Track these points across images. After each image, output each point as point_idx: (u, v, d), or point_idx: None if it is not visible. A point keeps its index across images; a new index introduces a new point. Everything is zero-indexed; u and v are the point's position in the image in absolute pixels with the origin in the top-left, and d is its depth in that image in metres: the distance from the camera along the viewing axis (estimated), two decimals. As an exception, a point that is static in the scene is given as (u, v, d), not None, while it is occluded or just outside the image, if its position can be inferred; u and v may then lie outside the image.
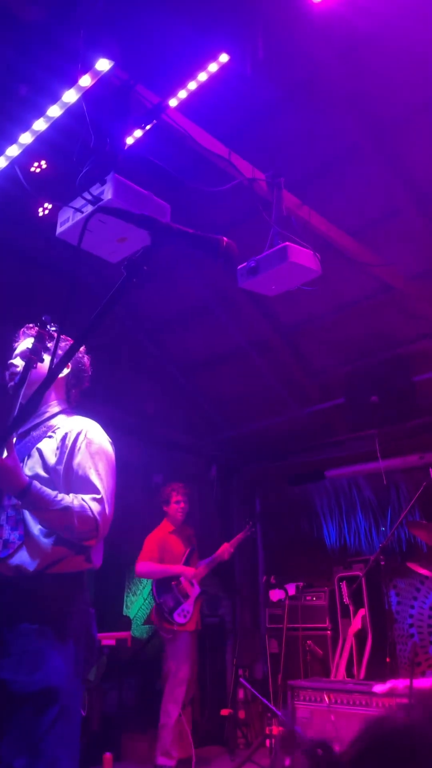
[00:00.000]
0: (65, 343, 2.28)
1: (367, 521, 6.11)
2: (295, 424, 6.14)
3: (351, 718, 3.44)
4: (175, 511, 5.02)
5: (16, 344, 2.35)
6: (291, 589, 5.34)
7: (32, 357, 2.08)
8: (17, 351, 2.32)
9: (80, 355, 2.37)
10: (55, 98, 2.63)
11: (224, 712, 5.31)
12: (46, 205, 3.68)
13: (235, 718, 5.30)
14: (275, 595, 5.49)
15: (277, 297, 3.76)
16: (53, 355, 1.85)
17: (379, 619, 4.92)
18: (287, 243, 3.31)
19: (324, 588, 5.42)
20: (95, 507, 1.96)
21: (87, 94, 2.61)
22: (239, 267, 3.51)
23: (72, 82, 2.55)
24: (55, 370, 1.90)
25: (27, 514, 2.00)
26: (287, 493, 6.66)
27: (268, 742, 4.06)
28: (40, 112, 2.70)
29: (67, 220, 3.02)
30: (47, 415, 2.21)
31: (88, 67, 2.51)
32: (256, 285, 3.52)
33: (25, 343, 2.31)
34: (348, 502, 6.24)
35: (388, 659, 4.38)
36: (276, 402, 6.10)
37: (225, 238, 1.42)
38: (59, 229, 3.04)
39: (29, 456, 2.10)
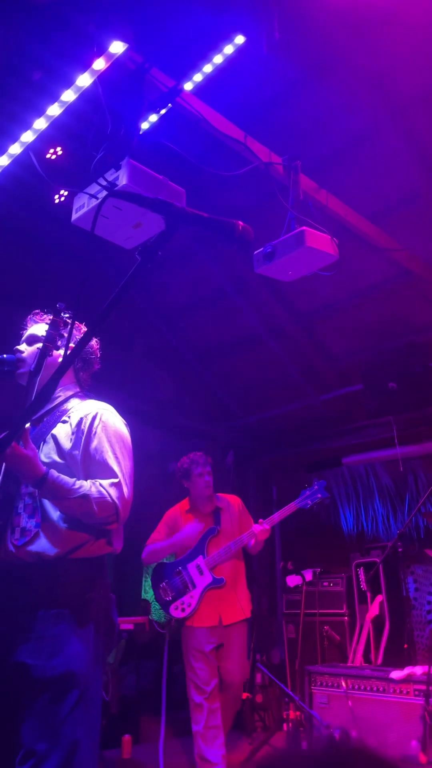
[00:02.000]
0: (78, 331, 2.28)
1: (384, 508, 6.09)
2: (312, 410, 6.11)
3: (368, 704, 3.44)
4: (198, 485, 4.12)
5: (23, 331, 2.35)
6: (308, 575, 5.34)
7: (48, 344, 2.08)
8: (24, 337, 2.32)
9: (78, 333, 2.35)
10: (68, 83, 2.61)
11: (242, 696, 5.34)
12: (62, 192, 3.67)
13: (252, 703, 5.34)
14: (292, 581, 5.50)
15: (294, 282, 3.72)
16: (67, 342, 1.85)
17: (396, 606, 4.92)
18: (304, 228, 3.27)
19: (341, 574, 5.42)
20: (114, 492, 1.96)
21: (101, 78, 2.58)
22: (255, 252, 3.47)
23: (86, 65, 2.52)
24: (70, 357, 1.90)
25: (45, 501, 2.01)
26: (304, 480, 6.64)
27: (285, 726, 4.08)
28: (54, 97, 2.68)
29: (82, 206, 3.01)
30: (60, 399, 2.21)
31: (101, 50, 2.49)
32: (272, 270, 3.48)
33: (33, 330, 2.31)
34: (365, 489, 6.21)
35: (405, 645, 4.38)
36: (293, 389, 6.07)
37: (240, 222, 1.39)
38: (74, 216, 3.03)
39: (44, 442, 2.10)
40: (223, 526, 4.08)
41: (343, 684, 3.59)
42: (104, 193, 2.81)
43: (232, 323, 5.76)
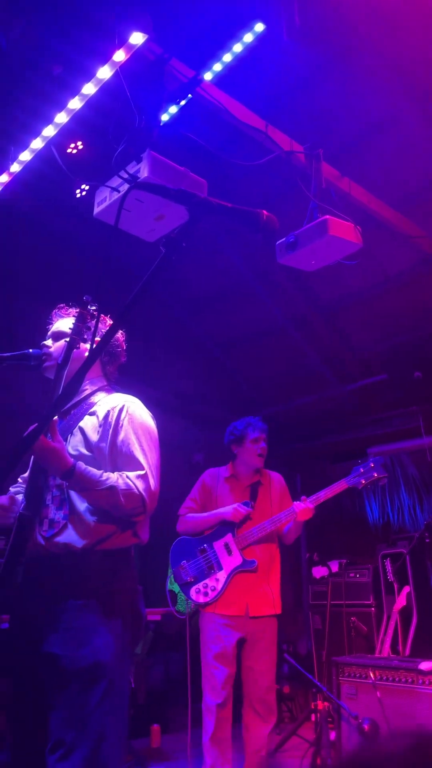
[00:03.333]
0: (103, 324, 2.29)
1: (411, 498, 6.04)
2: (336, 401, 6.07)
3: (397, 695, 3.43)
4: (251, 452, 3.65)
5: (49, 326, 2.37)
6: (334, 566, 5.33)
7: (75, 337, 2.10)
8: (50, 332, 2.34)
9: (103, 326, 2.36)
10: (89, 76, 2.61)
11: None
12: (83, 186, 3.68)
13: (280, 693, 5.36)
14: (318, 572, 5.49)
15: (317, 272, 3.69)
16: (93, 335, 1.85)
17: (424, 597, 4.88)
18: (327, 216, 3.24)
19: (367, 565, 5.40)
20: (140, 484, 1.97)
21: (121, 70, 2.57)
22: (278, 242, 3.45)
23: (106, 58, 2.51)
24: (96, 350, 1.91)
25: (72, 494, 2.03)
26: (328, 471, 6.61)
27: (313, 716, 4.09)
28: (75, 91, 2.68)
29: (104, 199, 3.01)
30: (87, 392, 2.22)
31: (121, 42, 2.48)
32: (295, 260, 3.45)
33: (58, 324, 2.32)
34: (391, 479, 6.17)
35: (433, 636, 4.35)
36: (316, 379, 6.04)
37: (265, 211, 1.38)
38: (96, 210, 3.04)
39: (72, 435, 2.12)
40: (258, 502, 3.60)
41: (371, 675, 3.58)
42: (126, 186, 2.81)
43: (255, 314, 5.74)
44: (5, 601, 2.02)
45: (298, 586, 6.52)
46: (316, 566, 5.53)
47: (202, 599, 3.36)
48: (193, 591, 3.40)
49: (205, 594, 3.37)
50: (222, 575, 3.38)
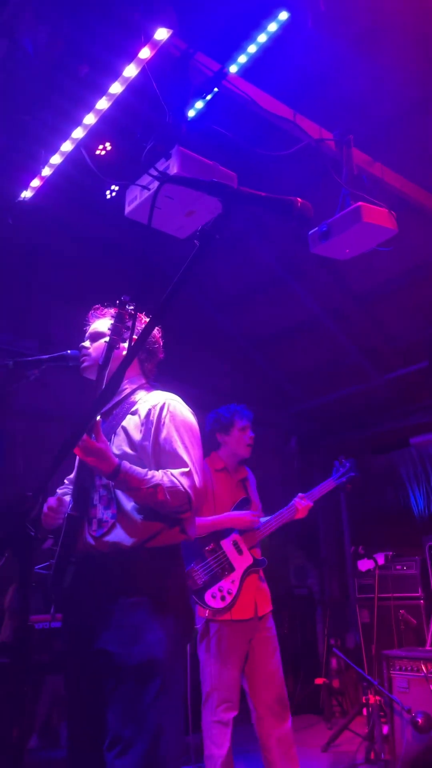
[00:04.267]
0: (140, 323, 2.29)
1: (456, 488, 5.92)
2: (376, 391, 5.98)
3: (451, 688, 3.36)
4: (237, 441, 3.46)
5: (86, 327, 2.38)
6: (380, 558, 5.25)
7: (115, 338, 2.10)
8: (87, 333, 2.35)
9: (140, 324, 2.35)
10: (115, 75, 2.61)
11: (318, 681, 5.34)
12: (113, 187, 3.70)
13: (329, 687, 5.32)
14: (364, 565, 5.42)
15: (350, 261, 3.63)
16: (131, 334, 1.85)
17: (474, 588, 4.78)
18: (360, 203, 3.18)
19: (414, 557, 5.30)
20: (185, 481, 1.97)
21: (147, 67, 2.57)
22: (310, 232, 3.41)
23: (132, 55, 2.51)
24: (134, 349, 1.91)
25: (119, 493, 2.03)
26: (370, 463, 6.53)
27: (365, 710, 4.04)
28: (102, 91, 2.69)
29: (135, 198, 3.02)
30: (127, 391, 2.23)
31: (147, 39, 2.47)
32: (328, 250, 3.41)
33: (96, 325, 2.33)
34: (437, 469, 6.05)
35: None
36: (354, 370, 5.96)
37: (299, 199, 1.36)
38: (128, 209, 3.05)
39: (115, 434, 2.13)
40: (252, 498, 3.51)
41: (423, 668, 3.52)
42: (156, 183, 2.81)
43: (287, 307, 5.69)
44: (58, 600, 2.04)
45: (344, 579, 6.46)
46: (361, 559, 5.45)
47: (219, 604, 3.09)
48: (208, 596, 3.10)
49: (222, 598, 3.10)
50: (236, 576, 3.17)
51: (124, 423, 2.13)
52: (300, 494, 3.45)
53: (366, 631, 5.27)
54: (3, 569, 1.91)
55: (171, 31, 2.49)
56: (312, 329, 5.78)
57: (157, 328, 2.34)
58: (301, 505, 3.38)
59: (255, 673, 3.17)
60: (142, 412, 2.12)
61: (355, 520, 6.58)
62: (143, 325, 2.23)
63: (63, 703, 4.53)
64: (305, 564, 6.54)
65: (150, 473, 1.96)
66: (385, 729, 3.85)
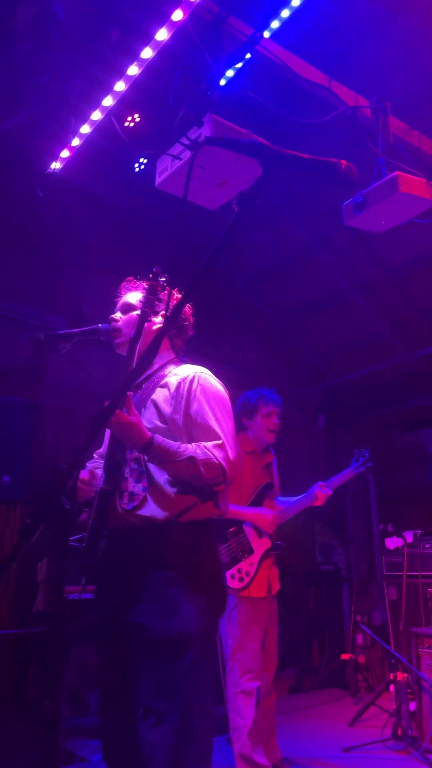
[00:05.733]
0: (164, 293, 2.25)
1: None
2: (406, 368, 5.88)
3: None
4: (261, 427, 3.49)
5: (117, 299, 2.35)
6: (409, 536, 5.20)
7: (146, 310, 2.07)
8: (118, 305, 2.32)
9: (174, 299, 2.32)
10: (147, 39, 2.54)
11: (345, 656, 5.36)
12: (141, 159, 3.64)
13: (355, 663, 5.33)
14: (392, 543, 5.38)
15: (384, 235, 3.53)
16: (166, 309, 1.81)
17: None
18: (396, 173, 3.08)
19: (444, 536, 5.24)
20: (219, 453, 1.94)
21: (179, 31, 2.49)
22: (344, 204, 3.32)
23: (164, 18, 2.44)
24: (167, 324, 1.87)
25: (151, 466, 2.02)
26: (399, 441, 6.45)
27: (392, 687, 4.03)
28: (133, 56, 2.62)
29: (165, 168, 2.96)
30: (156, 366, 2.21)
31: (179, 1, 2.39)
32: (363, 221, 3.31)
33: (127, 297, 2.30)
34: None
35: None
36: (384, 346, 5.86)
37: (344, 161, 1.30)
38: (158, 179, 2.99)
39: (145, 408, 2.11)
40: (275, 483, 3.62)
41: (453, 646, 3.49)
42: (187, 152, 2.74)
43: (318, 282, 5.59)
44: (90, 572, 2.05)
45: (371, 557, 6.43)
46: (389, 537, 5.41)
47: (237, 584, 3.26)
48: (227, 576, 3.25)
49: (240, 579, 3.27)
50: (255, 559, 3.32)
51: (153, 396, 2.11)
52: (320, 482, 3.52)
53: (394, 609, 5.25)
54: (37, 541, 1.92)
55: (204, -8, 2.41)
56: (342, 304, 5.68)
57: (188, 304, 2.31)
58: (321, 493, 3.46)
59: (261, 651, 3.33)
60: (172, 385, 2.09)
61: (382, 498, 6.52)
62: (171, 297, 2.20)
63: (91, 673, 4.61)
64: (332, 541, 6.53)
65: (183, 446, 1.94)
66: (413, 705, 3.84)
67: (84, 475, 2.15)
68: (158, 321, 2.23)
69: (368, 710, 4.40)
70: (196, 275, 1.39)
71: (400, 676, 3.93)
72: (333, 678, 5.53)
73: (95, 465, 2.35)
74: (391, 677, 4.05)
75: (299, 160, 1.30)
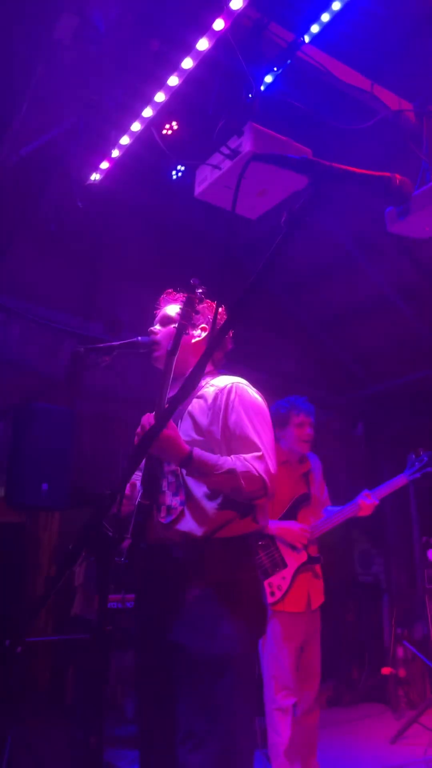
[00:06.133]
0: (204, 305, 2.21)
1: None
2: (450, 375, 5.74)
3: None
4: (295, 437, 3.36)
5: (157, 311, 2.33)
6: (452, 549, 5.07)
7: (184, 323, 2.03)
8: (158, 317, 2.29)
9: (219, 316, 2.28)
10: (188, 49, 2.51)
11: (385, 671, 5.24)
12: (178, 167, 3.62)
13: (396, 677, 5.21)
14: (434, 555, 5.25)
15: (427, 240, 3.43)
16: (213, 326, 1.75)
17: None
18: (442, 177, 3.00)
19: None
20: (259, 466, 1.90)
21: (220, 40, 2.46)
22: (387, 210, 3.23)
23: (205, 28, 2.41)
24: (214, 342, 1.82)
25: (189, 479, 1.99)
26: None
27: (435, 705, 3.93)
28: (174, 67, 2.60)
29: (205, 178, 2.93)
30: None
31: (221, 9, 2.36)
32: (407, 228, 3.22)
33: (167, 310, 2.27)
34: None
35: None
36: (427, 353, 5.72)
37: (398, 175, 1.25)
38: (198, 189, 2.96)
39: (181, 420, 2.08)
40: (313, 492, 3.41)
41: None
42: (227, 162, 2.71)
43: (357, 287, 5.49)
44: (129, 587, 2.02)
45: (411, 569, 6.30)
46: (431, 549, 5.28)
47: (269, 599, 3.14)
48: None
49: (272, 594, 3.15)
50: (288, 573, 3.18)
51: (189, 408, 2.08)
52: (366, 491, 3.31)
53: (436, 623, 5.11)
54: (75, 548, 1.90)
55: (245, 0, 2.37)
56: (382, 309, 5.57)
57: (222, 309, 2.26)
58: (365, 503, 3.26)
59: (301, 667, 3.23)
60: (209, 396, 2.06)
61: (423, 510, 6.38)
62: (217, 314, 2.16)
63: (128, 678, 4.61)
64: (371, 551, 6.41)
65: (222, 458, 1.90)
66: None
67: (126, 490, 2.13)
68: (197, 334, 2.20)
69: (411, 727, 4.29)
70: (244, 294, 1.35)
71: (445, 694, 3.82)
72: (373, 692, 5.41)
73: (134, 477, 2.34)
74: (435, 695, 3.94)
75: (351, 175, 1.25)
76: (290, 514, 3.33)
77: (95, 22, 2.32)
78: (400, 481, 3.37)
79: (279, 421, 3.38)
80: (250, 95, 2.59)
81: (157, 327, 2.27)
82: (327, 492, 3.57)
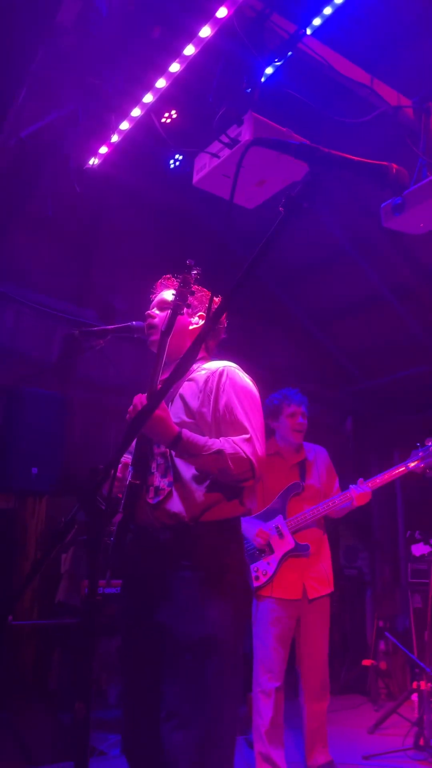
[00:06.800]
0: (202, 294, 2.23)
1: None
2: (439, 373, 5.79)
3: None
4: (288, 427, 3.43)
5: (153, 296, 2.33)
6: (436, 544, 5.13)
7: (179, 303, 2.04)
8: (155, 301, 2.30)
9: (214, 303, 2.30)
10: (190, 36, 2.52)
11: (366, 662, 5.30)
12: (177, 156, 3.62)
13: (376, 669, 5.28)
14: (418, 549, 5.32)
15: (421, 237, 3.46)
16: (208, 313, 1.77)
17: None
18: (438, 174, 3.03)
19: (472, 545, 5.16)
20: (247, 448, 1.92)
21: (222, 28, 2.47)
22: (383, 205, 3.26)
23: (208, 15, 2.41)
24: (209, 326, 1.83)
25: (177, 461, 2.00)
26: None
27: (414, 696, 3.98)
28: (175, 54, 2.60)
29: (203, 166, 2.94)
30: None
31: (224, -3, 2.37)
32: (402, 223, 3.26)
33: (164, 294, 2.28)
34: None
35: None
36: (418, 350, 5.77)
37: (395, 165, 1.27)
38: (196, 177, 2.97)
39: (172, 402, 2.09)
40: (309, 482, 3.44)
41: None
42: (226, 151, 2.72)
43: (352, 283, 5.52)
44: (117, 567, 2.04)
45: (395, 563, 6.36)
46: (416, 544, 5.34)
47: (254, 583, 3.23)
48: None
49: (257, 578, 3.24)
50: (273, 559, 3.25)
51: (180, 391, 2.09)
52: (360, 480, 3.35)
53: (418, 617, 5.18)
54: (63, 532, 1.90)
55: (250, -12, 2.38)
56: (377, 306, 5.61)
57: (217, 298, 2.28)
58: (357, 492, 3.29)
59: (302, 655, 3.32)
60: (200, 379, 2.07)
61: (409, 504, 6.44)
62: (209, 300, 2.17)
63: (112, 665, 4.63)
64: (356, 545, 6.47)
65: (211, 440, 1.92)
66: (437, 716, 3.78)
67: (118, 470, 2.15)
68: (195, 321, 2.22)
69: (389, 718, 4.35)
70: (239, 280, 1.37)
71: (424, 685, 3.87)
72: (354, 684, 5.48)
73: (125, 458, 2.35)
74: (414, 686, 3.99)
75: (349, 163, 1.27)
76: (280, 503, 3.37)
77: (98, 4, 2.32)
78: (397, 470, 3.41)
79: (272, 412, 3.46)
80: (249, 85, 2.59)
81: (155, 311, 2.27)
82: (337, 483, 3.56)
